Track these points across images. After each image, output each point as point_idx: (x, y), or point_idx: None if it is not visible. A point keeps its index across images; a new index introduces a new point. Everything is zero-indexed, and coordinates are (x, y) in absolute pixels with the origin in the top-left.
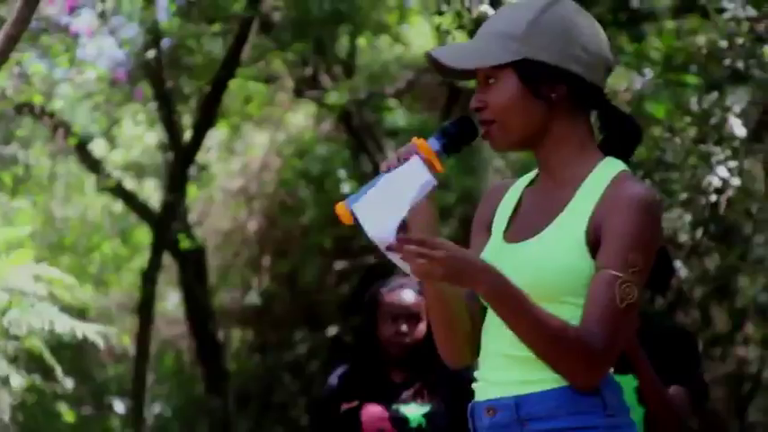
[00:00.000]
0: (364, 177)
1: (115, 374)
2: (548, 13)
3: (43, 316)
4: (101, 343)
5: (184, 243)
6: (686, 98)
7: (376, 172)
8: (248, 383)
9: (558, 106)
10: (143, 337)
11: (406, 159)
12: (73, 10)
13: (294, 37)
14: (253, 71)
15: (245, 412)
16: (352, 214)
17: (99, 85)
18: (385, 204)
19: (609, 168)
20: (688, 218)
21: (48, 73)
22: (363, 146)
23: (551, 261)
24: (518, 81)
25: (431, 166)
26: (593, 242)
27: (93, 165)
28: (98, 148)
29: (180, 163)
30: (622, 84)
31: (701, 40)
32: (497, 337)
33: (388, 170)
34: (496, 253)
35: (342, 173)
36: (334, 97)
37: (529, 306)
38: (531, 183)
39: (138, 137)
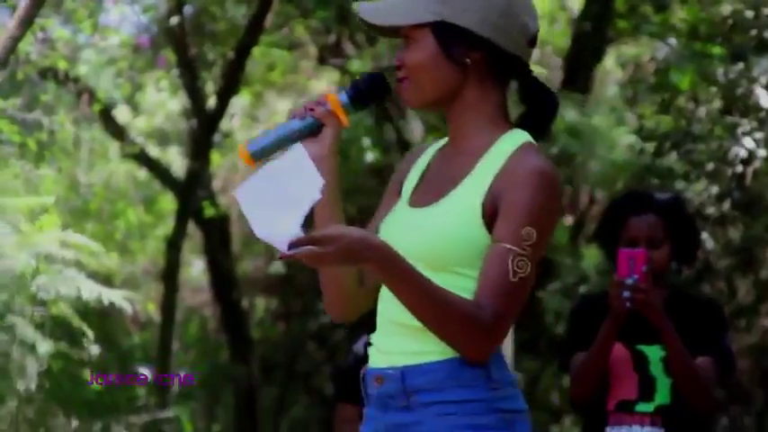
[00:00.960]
0: (388, 145)
1: (140, 342)
2: None
3: (71, 282)
4: (128, 308)
5: (209, 211)
6: (712, 69)
7: (399, 140)
8: (272, 352)
9: (473, 72)
10: (168, 304)
11: (312, 110)
12: None
13: (317, 4)
14: (276, 38)
15: (270, 380)
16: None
17: (122, 51)
18: (273, 203)
19: (512, 139)
20: (714, 189)
21: (71, 38)
22: (387, 114)
23: (446, 230)
24: (434, 42)
25: (336, 118)
26: (490, 214)
27: (117, 131)
28: (121, 114)
29: (204, 130)
30: (646, 54)
31: (726, 9)
32: (390, 305)
33: (294, 117)
34: (399, 216)
35: (365, 141)
36: (357, 65)
37: (419, 280)
38: (442, 147)
39: (161, 104)
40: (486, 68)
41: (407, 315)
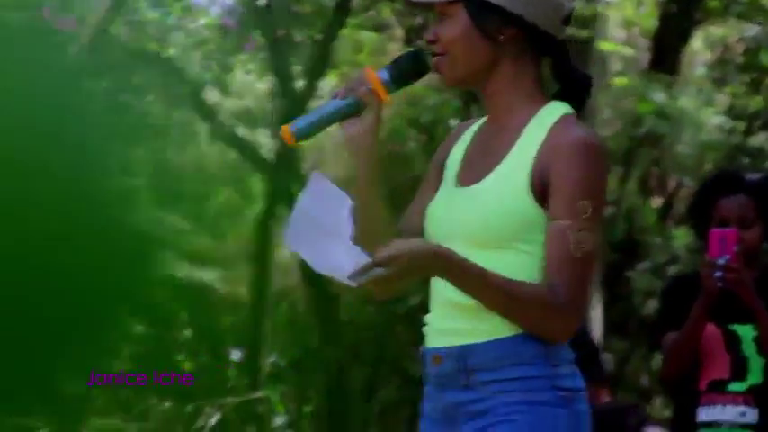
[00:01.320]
0: None
1: (231, 324)
2: None
3: (165, 263)
4: (221, 289)
5: (298, 192)
6: None
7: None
8: (362, 334)
9: (506, 49)
10: (260, 286)
11: (353, 89)
12: None
13: None
14: (362, 20)
15: (360, 362)
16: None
17: (210, 33)
18: (318, 237)
19: (552, 112)
20: None
21: (161, 19)
22: (473, 95)
23: (495, 206)
24: (468, 18)
25: (377, 97)
26: (538, 186)
27: (208, 113)
28: (210, 96)
29: (292, 112)
30: (734, 35)
31: None
32: (445, 285)
33: (335, 97)
34: (446, 197)
35: (452, 122)
36: None
37: (488, 277)
38: (482, 127)
39: (249, 85)
40: (520, 45)
41: (458, 294)
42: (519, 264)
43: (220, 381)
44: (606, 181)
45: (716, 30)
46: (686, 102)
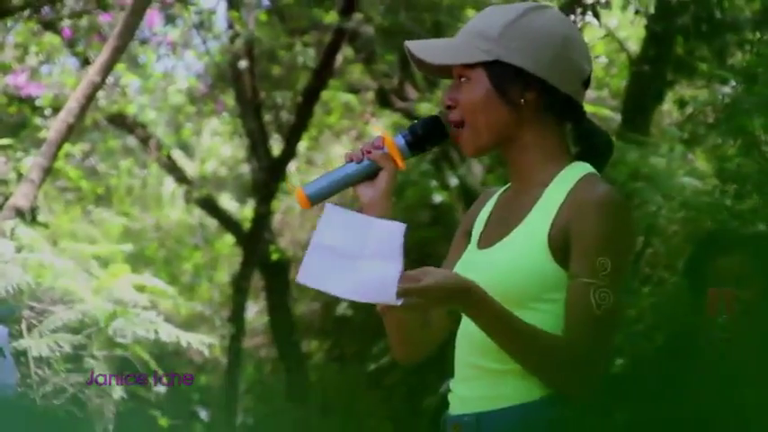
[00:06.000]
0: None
1: (196, 384)
2: (526, 17)
3: (149, 325)
4: (205, 351)
5: (275, 255)
6: None
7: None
8: (329, 394)
9: (528, 112)
10: (235, 347)
11: (369, 153)
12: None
13: (385, 48)
14: (336, 82)
15: (326, 423)
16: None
17: (180, 98)
18: (345, 266)
19: (574, 171)
20: None
21: (147, 85)
22: (447, 157)
23: (514, 265)
24: (488, 82)
25: (393, 162)
26: (558, 245)
27: (182, 177)
28: (179, 159)
29: (269, 175)
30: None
31: None
32: (466, 348)
33: (351, 161)
34: (469, 260)
35: (432, 183)
36: (425, 108)
37: (513, 321)
38: (507, 189)
39: (213, 149)
40: (541, 109)
41: (484, 358)
42: (539, 323)
43: None
44: (630, 238)
45: (687, 90)
46: (658, 161)
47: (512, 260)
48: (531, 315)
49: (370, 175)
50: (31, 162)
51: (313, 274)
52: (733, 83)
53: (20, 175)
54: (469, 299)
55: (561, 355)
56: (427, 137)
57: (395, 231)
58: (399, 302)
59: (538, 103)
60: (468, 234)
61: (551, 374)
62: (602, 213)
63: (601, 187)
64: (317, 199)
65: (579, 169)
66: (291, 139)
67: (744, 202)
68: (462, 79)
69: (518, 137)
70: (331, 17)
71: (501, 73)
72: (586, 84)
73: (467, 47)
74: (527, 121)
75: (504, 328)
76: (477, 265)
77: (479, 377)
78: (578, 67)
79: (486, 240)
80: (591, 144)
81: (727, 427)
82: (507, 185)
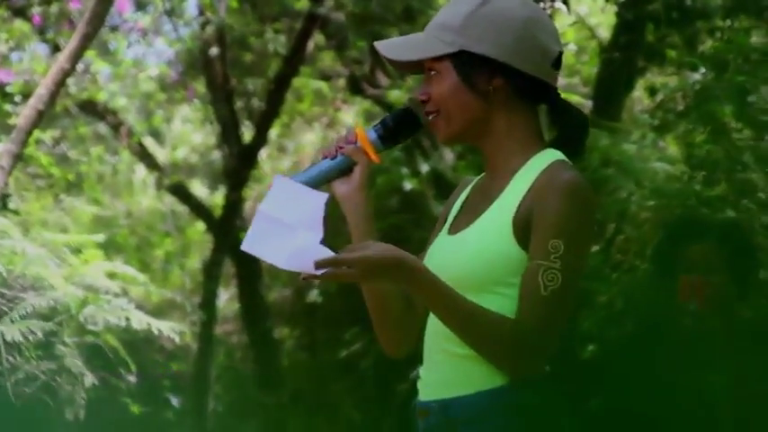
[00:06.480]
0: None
1: (167, 370)
2: (488, 5)
3: (120, 312)
4: (176, 338)
5: None
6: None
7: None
8: (300, 381)
9: (498, 99)
10: (206, 334)
11: (342, 148)
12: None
13: (356, 35)
14: (307, 69)
15: (298, 409)
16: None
17: (151, 85)
18: (281, 235)
19: (544, 158)
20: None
21: (117, 71)
22: (419, 144)
23: (479, 249)
24: (455, 73)
25: (366, 156)
26: (522, 230)
27: (153, 164)
28: (149, 145)
29: (241, 162)
30: (674, 82)
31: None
32: (433, 334)
33: (325, 158)
34: (437, 244)
35: (403, 170)
36: (395, 95)
37: (460, 301)
38: (482, 178)
39: (184, 135)
40: (510, 94)
41: (449, 343)
42: (500, 307)
43: (162, 427)
44: (588, 222)
45: (657, 78)
46: (629, 148)
47: (476, 243)
48: (494, 299)
49: (346, 170)
50: (1, 148)
51: (255, 242)
52: (703, 70)
53: None
54: (402, 271)
55: (505, 335)
56: (399, 129)
57: (318, 202)
58: (319, 273)
59: (506, 88)
60: (445, 222)
61: (495, 353)
62: (561, 197)
63: (566, 173)
64: None
65: (548, 156)
66: (263, 125)
67: (713, 189)
68: (432, 73)
69: (490, 125)
70: (302, 3)
71: (466, 63)
72: (557, 64)
73: (431, 41)
74: (497, 107)
75: (445, 303)
76: (443, 248)
77: (444, 362)
78: (544, 48)
79: (456, 226)
80: (566, 124)
81: (694, 413)
82: (483, 174)
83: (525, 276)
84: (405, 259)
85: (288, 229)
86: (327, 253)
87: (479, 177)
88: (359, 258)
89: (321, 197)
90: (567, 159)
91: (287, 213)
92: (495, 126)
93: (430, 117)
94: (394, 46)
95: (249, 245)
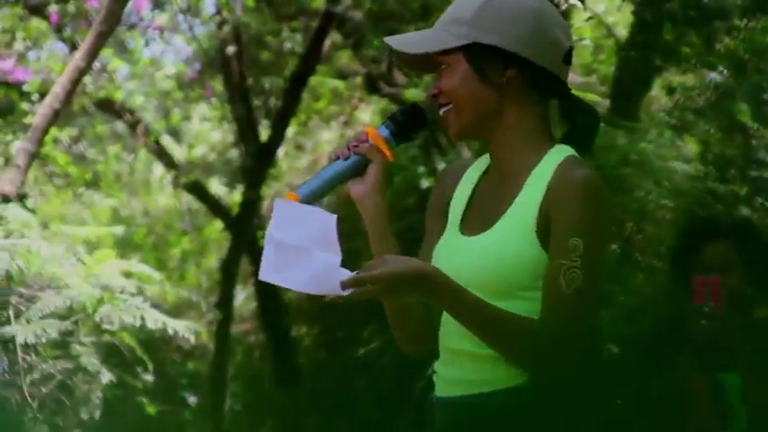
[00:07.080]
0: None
1: (184, 369)
2: None
3: (135, 311)
4: (191, 338)
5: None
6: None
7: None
8: (318, 379)
9: (510, 91)
10: (223, 333)
11: (356, 147)
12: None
13: (373, 33)
14: (324, 68)
15: (315, 408)
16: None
17: (169, 83)
18: (298, 259)
19: (556, 156)
20: None
21: (135, 71)
22: (436, 142)
23: (504, 255)
24: (466, 65)
25: (381, 153)
26: (544, 231)
27: (170, 162)
28: (168, 144)
29: (258, 160)
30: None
31: None
32: (450, 333)
33: (338, 158)
34: (452, 244)
35: (420, 169)
36: (412, 93)
37: (483, 307)
38: (487, 171)
39: (203, 134)
40: (522, 86)
41: (468, 343)
42: (527, 310)
43: (179, 426)
44: (605, 221)
45: (672, 76)
46: (647, 147)
47: (502, 249)
48: (521, 304)
49: (360, 170)
50: (17, 147)
51: (273, 270)
52: (721, 69)
53: (7, 160)
54: (424, 283)
55: (532, 338)
56: (409, 123)
57: (329, 223)
58: (345, 293)
59: (519, 80)
60: (444, 214)
61: (519, 355)
62: (577, 196)
63: (579, 171)
64: (309, 200)
65: (560, 153)
66: (279, 124)
67: (729, 187)
68: (443, 66)
69: (501, 118)
70: (319, 2)
71: (478, 54)
72: (567, 59)
73: (442, 34)
74: (510, 100)
75: (471, 314)
76: (463, 252)
77: (461, 361)
78: (556, 41)
79: (471, 227)
80: (578, 120)
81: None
82: (482, 164)
83: (547, 277)
84: (425, 271)
85: (303, 252)
86: (348, 273)
87: (482, 167)
88: (380, 276)
89: (330, 217)
90: (578, 155)
91: (297, 236)
92: (507, 120)
93: (441, 111)
94: (403, 41)
95: (267, 274)
